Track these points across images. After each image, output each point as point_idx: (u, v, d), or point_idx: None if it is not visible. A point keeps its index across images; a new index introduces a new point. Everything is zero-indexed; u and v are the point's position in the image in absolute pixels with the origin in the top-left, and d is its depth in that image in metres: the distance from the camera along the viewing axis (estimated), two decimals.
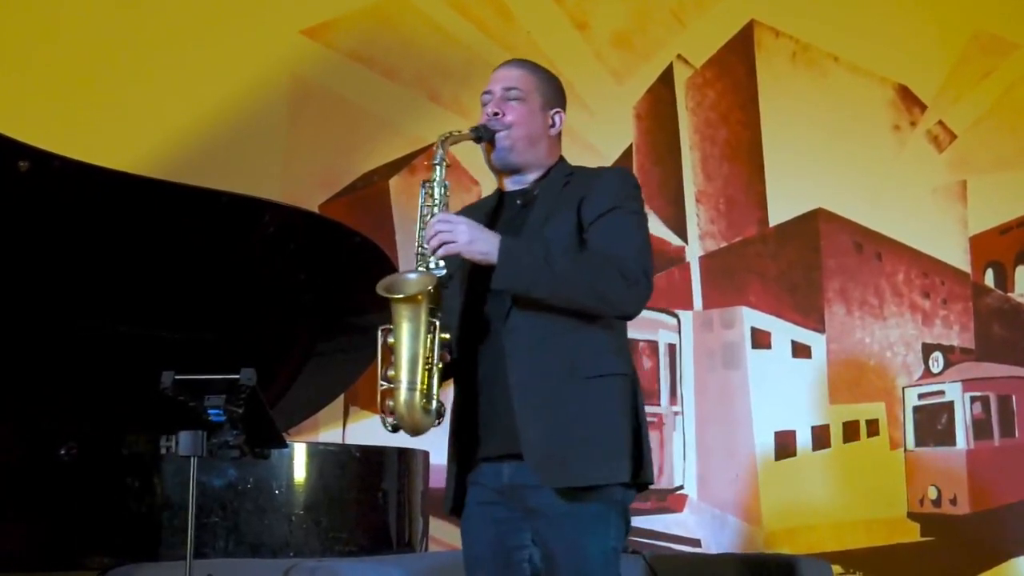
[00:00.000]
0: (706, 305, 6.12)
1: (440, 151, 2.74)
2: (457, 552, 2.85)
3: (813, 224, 6.19)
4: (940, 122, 6.26)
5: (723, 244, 6.18)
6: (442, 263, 2.63)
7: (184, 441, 3.15)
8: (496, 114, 2.78)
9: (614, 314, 2.65)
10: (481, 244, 2.58)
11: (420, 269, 2.64)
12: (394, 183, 6.10)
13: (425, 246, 2.64)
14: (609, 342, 2.67)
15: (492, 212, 2.81)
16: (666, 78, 6.29)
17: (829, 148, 6.21)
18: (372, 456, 4.31)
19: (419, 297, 2.58)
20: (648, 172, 6.13)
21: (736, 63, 6.31)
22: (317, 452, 4.21)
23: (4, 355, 4.15)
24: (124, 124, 5.89)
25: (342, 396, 5.56)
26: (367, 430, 5.77)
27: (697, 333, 6.09)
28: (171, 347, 4.35)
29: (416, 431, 2.64)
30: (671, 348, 6.05)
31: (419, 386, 2.59)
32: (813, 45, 6.31)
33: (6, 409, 4.03)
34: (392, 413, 2.61)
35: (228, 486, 3.94)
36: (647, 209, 2.81)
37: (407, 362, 2.59)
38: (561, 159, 2.84)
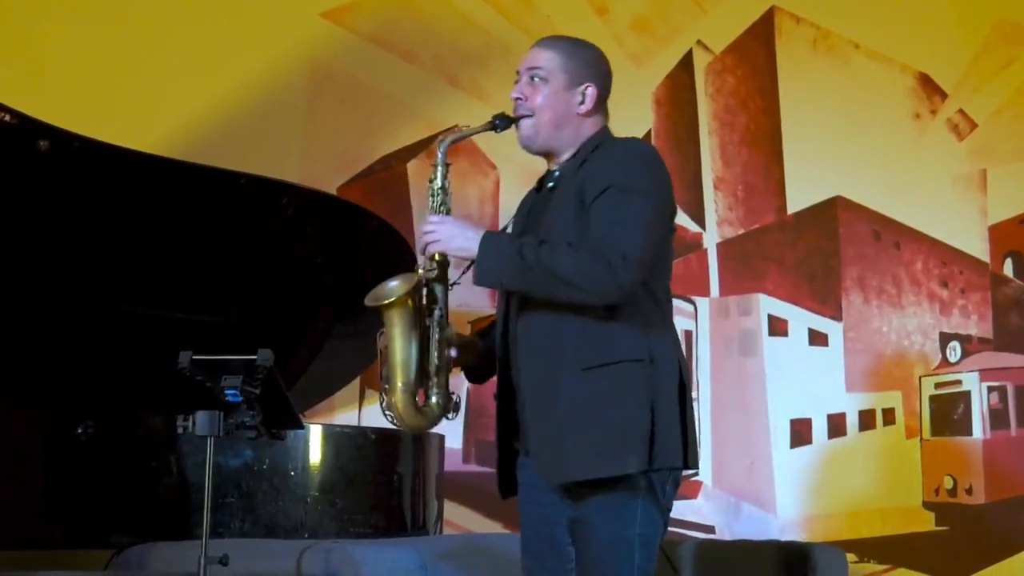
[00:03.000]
0: (723, 292, 6.11)
1: (440, 153, 2.79)
2: (470, 535, 2.90)
3: (831, 212, 6.17)
4: (961, 111, 6.23)
5: (741, 231, 6.17)
6: (433, 264, 2.73)
7: (201, 421, 3.15)
8: (519, 99, 2.76)
9: (594, 302, 2.57)
10: (460, 241, 2.65)
11: (406, 273, 2.74)
12: (412, 166, 6.10)
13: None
14: (620, 328, 2.61)
15: (535, 194, 2.85)
16: (686, 63, 6.27)
17: (849, 136, 6.19)
18: (387, 439, 4.32)
19: (404, 301, 2.69)
20: (666, 158, 6.05)
21: (756, 49, 6.28)
22: (333, 434, 4.23)
23: (24, 335, 4.17)
24: (143, 106, 5.90)
25: (358, 378, 5.58)
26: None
27: (714, 320, 6.09)
28: (189, 328, 4.36)
29: (414, 428, 2.80)
30: (687, 335, 6.04)
31: (412, 387, 2.70)
32: (834, 32, 6.28)
33: (24, 388, 4.05)
34: (389, 412, 2.73)
35: (244, 467, 3.96)
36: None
37: (400, 364, 2.71)
38: (600, 131, 2.79)
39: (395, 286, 2.70)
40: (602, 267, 2.52)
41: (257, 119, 6.02)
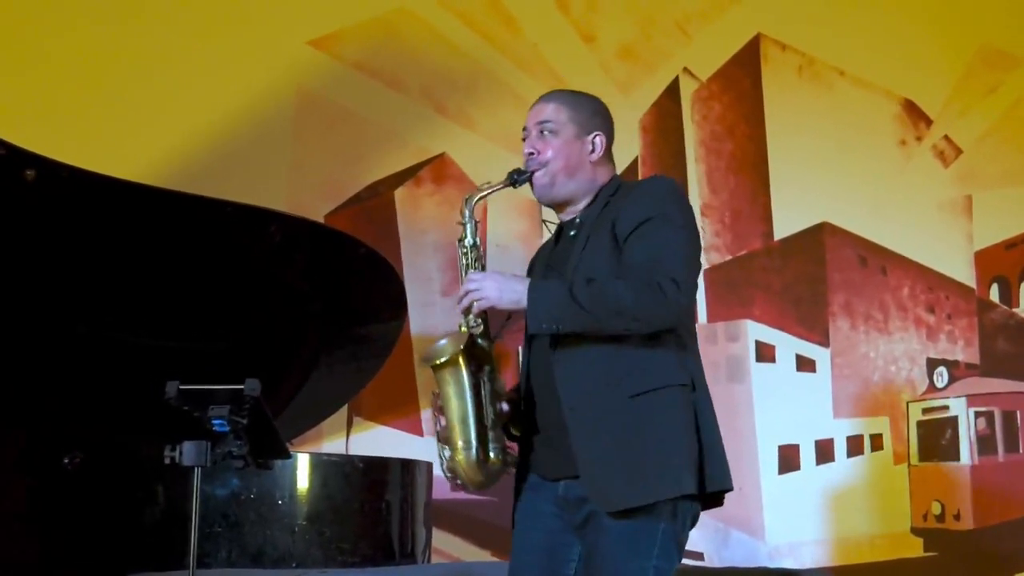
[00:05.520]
0: (711, 318, 6.12)
1: (467, 211, 2.81)
2: (459, 564, 2.87)
3: (818, 238, 6.19)
4: (946, 137, 6.27)
5: (728, 257, 6.18)
6: (478, 320, 2.73)
7: (188, 451, 3.14)
8: (532, 153, 2.81)
9: (651, 330, 2.63)
10: (509, 295, 2.66)
11: (453, 332, 2.74)
12: (399, 194, 6.11)
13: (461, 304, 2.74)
14: (661, 354, 2.66)
15: (553, 244, 2.89)
16: (672, 91, 6.30)
17: (835, 162, 6.22)
18: (375, 467, 4.31)
19: (456, 359, 2.70)
20: None
21: (742, 76, 6.32)
22: (320, 463, 4.21)
23: (11, 363, 4.15)
24: (132, 133, 5.90)
25: (346, 407, 5.57)
26: (370, 441, 5.78)
27: (701, 346, 6.02)
28: (176, 356, 4.34)
29: (480, 486, 2.76)
30: None
31: (474, 444, 2.70)
32: (819, 59, 6.32)
33: (11, 417, 4.03)
34: (454, 473, 2.73)
35: (231, 496, 3.94)
36: None
37: (458, 424, 2.72)
38: (614, 178, 2.85)
39: (446, 346, 2.72)
40: (655, 294, 2.58)
41: (244, 146, 6.03)
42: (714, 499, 2.72)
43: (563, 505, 2.72)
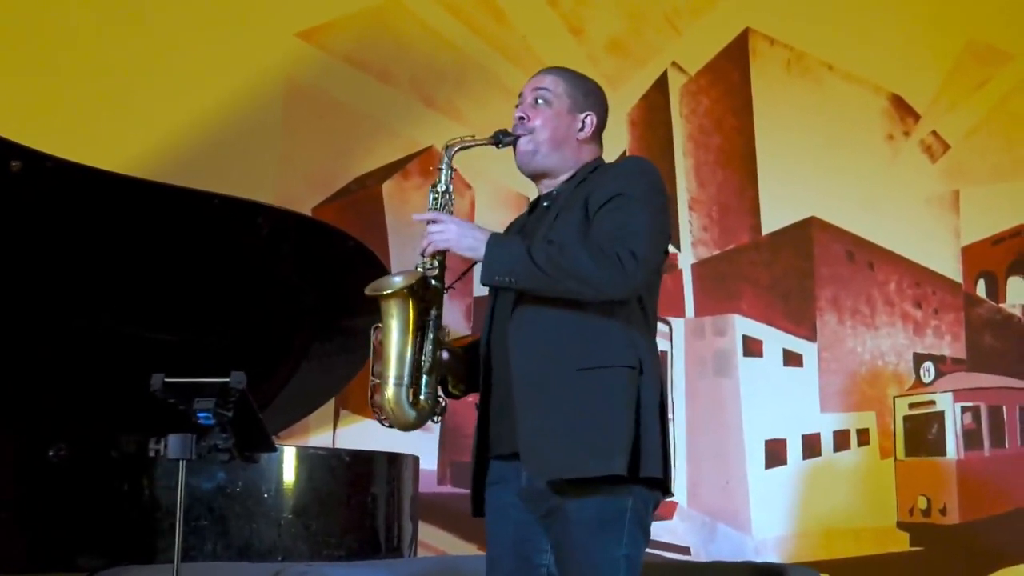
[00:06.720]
0: (698, 312, 6.13)
1: (447, 158, 2.82)
2: (445, 557, 2.86)
3: (806, 232, 6.19)
4: (934, 132, 6.27)
5: (716, 251, 6.19)
6: (434, 263, 2.74)
7: (173, 444, 3.13)
8: (522, 118, 2.83)
9: (602, 298, 2.62)
10: (468, 240, 2.67)
11: (408, 269, 2.75)
12: (387, 187, 6.10)
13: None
14: (617, 333, 2.65)
15: (526, 216, 2.90)
16: (660, 84, 6.29)
17: (823, 156, 6.22)
18: (362, 461, 4.30)
19: (403, 293, 2.70)
20: None
21: (731, 70, 6.31)
22: (307, 456, 4.20)
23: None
24: (120, 125, 5.89)
25: (332, 400, 5.56)
26: (357, 434, 5.77)
27: (689, 340, 6.10)
28: (162, 348, 4.34)
29: (404, 426, 2.73)
30: (662, 355, 6.05)
31: (406, 381, 2.69)
32: (808, 53, 6.32)
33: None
34: (380, 408, 2.71)
35: (217, 489, 3.93)
36: None
37: (394, 358, 2.70)
38: (597, 158, 2.87)
39: (398, 280, 2.72)
40: (611, 262, 2.57)
41: (233, 139, 6.02)
42: (665, 492, 2.71)
43: (527, 498, 2.70)
